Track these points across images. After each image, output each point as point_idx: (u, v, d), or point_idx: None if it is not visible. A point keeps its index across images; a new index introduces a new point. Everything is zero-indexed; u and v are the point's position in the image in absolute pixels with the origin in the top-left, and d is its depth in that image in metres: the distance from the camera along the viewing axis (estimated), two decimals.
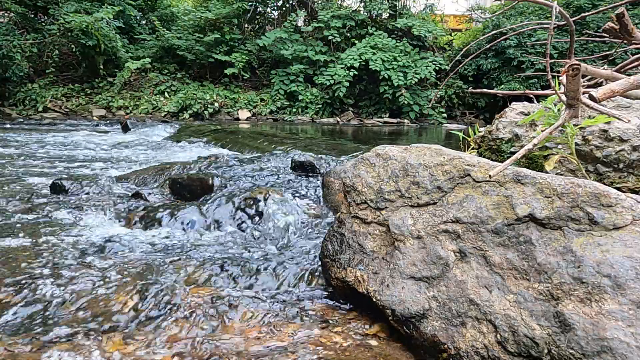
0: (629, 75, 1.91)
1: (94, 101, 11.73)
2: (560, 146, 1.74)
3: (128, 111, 11.60)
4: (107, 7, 11.65)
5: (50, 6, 11.72)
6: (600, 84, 2.27)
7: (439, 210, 1.43)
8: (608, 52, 3.34)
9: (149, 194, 2.91)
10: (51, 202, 2.76)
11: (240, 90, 13.11)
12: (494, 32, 3.59)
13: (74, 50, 11.75)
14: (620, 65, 2.29)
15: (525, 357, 1.10)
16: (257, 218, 2.40)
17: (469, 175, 1.43)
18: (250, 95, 12.81)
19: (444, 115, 12.99)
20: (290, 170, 3.37)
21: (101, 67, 11.67)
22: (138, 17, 14.09)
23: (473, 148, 2.20)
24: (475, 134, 2.24)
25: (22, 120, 10.10)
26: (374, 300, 1.42)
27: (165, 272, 1.81)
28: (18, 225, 2.34)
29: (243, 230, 2.35)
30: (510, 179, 1.35)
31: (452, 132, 2.77)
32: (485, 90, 2.91)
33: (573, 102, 1.45)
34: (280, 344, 1.35)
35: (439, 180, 1.48)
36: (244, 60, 12.84)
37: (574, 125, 1.59)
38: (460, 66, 6.39)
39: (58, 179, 3.09)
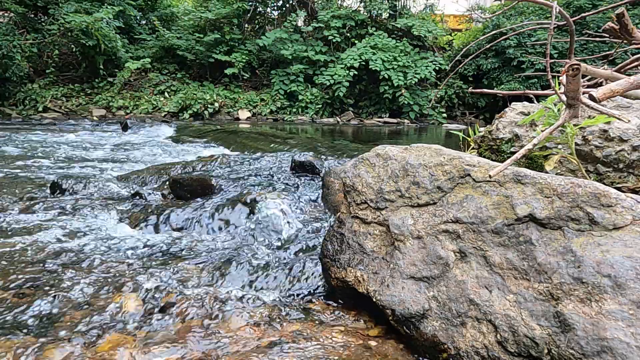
0: (629, 75, 1.91)
1: (94, 101, 11.72)
2: (560, 146, 1.74)
3: (128, 111, 11.60)
4: (107, 7, 11.65)
5: (50, 6, 11.71)
6: (600, 84, 2.27)
7: (439, 210, 1.43)
8: (608, 52, 3.34)
9: (149, 194, 2.91)
10: (51, 202, 2.76)
11: (240, 90, 13.11)
12: (494, 32, 3.59)
13: (74, 50, 11.75)
14: (620, 65, 2.29)
15: (525, 357, 1.10)
16: (256, 218, 2.40)
17: (469, 175, 1.43)
18: (250, 95, 12.81)
19: (444, 115, 13.00)
20: (290, 171, 3.37)
21: (101, 67, 11.66)
22: (138, 17, 14.09)
23: (473, 148, 2.20)
24: (475, 134, 2.24)
25: (21, 120, 10.10)
26: (374, 300, 1.42)
27: (165, 272, 1.81)
28: (17, 225, 2.34)
29: (242, 230, 2.35)
30: (510, 179, 1.35)
31: (452, 132, 2.76)
32: (485, 90, 2.91)
33: (573, 102, 1.45)
34: (280, 343, 1.35)
35: (439, 180, 1.48)
36: (244, 60, 12.84)
37: (574, 125, 1.59)
38: (460, 66, 6.40)
39: (57, 178, 3.09)
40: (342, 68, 12.38)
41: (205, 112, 11.60)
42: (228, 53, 12.86)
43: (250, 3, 13.69)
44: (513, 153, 1.91)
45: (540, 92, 2.20)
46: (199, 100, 11.61)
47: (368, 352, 1.31)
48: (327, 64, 12.87)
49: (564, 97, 1.47)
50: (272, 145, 5.48)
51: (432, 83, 13.32)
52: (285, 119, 12.21)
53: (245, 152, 5.11)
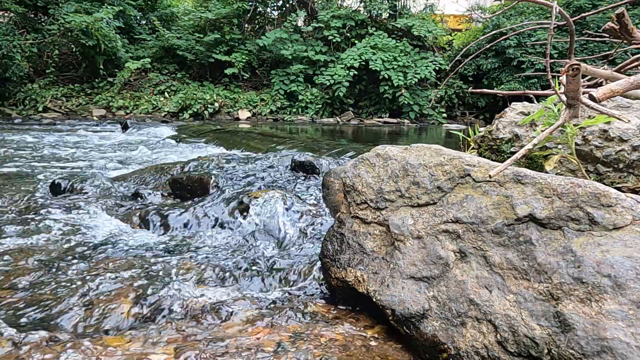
0: (629, 75, 1.91)
1: (94, 101, 11.72)
2: (560, 146, 1.74)
3: (128, 111, 11.60)
4: (107, 7, 11.65)
5: (50, 6, 11.71)
6: (600, 84, 2.27)
7: (439, 210, 1.43)
8: (608, 52, 3.34)
9: (149, 193, 2.91)
10: (51, 202, 2.76)
11: (240, 90, 13.11)
12: (494, 32, 3.59)
13: (74, 50, 11.76)
14: (620, 65, 2.29)
15: (525, 357, 1.10)
16: (256, 218, 2.40)
17: (469, 175, 1.43)
18: (250, 95, 12.81)
19: (444, 115, 13.00)
20: (290, 170, 3.37)
21: (101, 67, 11.66)
22: (138, 17, 14.08)
23: (473, 148, 2.20)
24: (475, 134, 2.24)
25: (21, 120, 10.10)
26: (374, 300, 1.42)
27: (165, 272, 1.81)
28: (18, 225, 2.34)
29: (242, 230, 2.35)
30: (510, 179, 1.35)
31: (452, 132, 2.77)
32: (485, 90, 2.90)
33: (573, 102, 1.45)
34: (280, 343, 1.35)
35: (439, 180, 1.48)
36: (244, 60, 12.84)
37: (574, 125, 1.59)
38: (460, 66, 6.40)
39: (57, 178, 3.09)
40: (342, 68, 12.38)
41: (205, 112, 11.60)
42: (228, 53, 12.86)
43: (250, 3, 13.69)
44: (513, 153, 1.91)
45: (540, 92, 2.20)
46: (199, 100, 11.61)
47: (368, 352, 1.31)
48: (327, 64, 12.87)
49: (564, 97, 1.47)
50: (272, 145, 5.47)
51: (432, 83, 13.32)
52: (285, 119, 12.20)
53: (245, 152, 5.11)
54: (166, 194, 2.92)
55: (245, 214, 2.44)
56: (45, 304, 1.54)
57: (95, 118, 10.93)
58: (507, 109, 2.13)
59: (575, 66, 1.31)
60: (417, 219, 1.46)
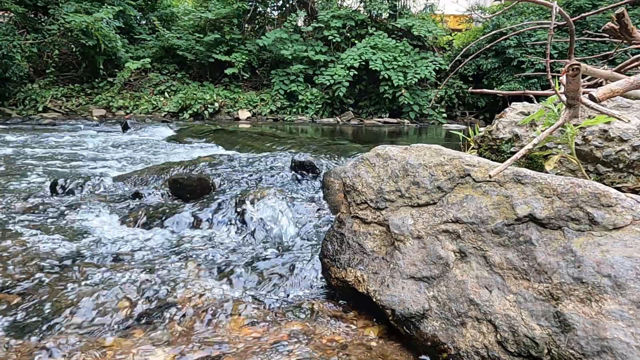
0: (629, 75, 1.91)
1: (94, 101, 11.73)
2: (560, 146, 1.74)
3: (128, 111, 11.61)
4: (107, 7, 11.66)
5: (50, 6, 11.72)
6: (600, 84, 2.27)
7: (439, 210, 1.43)
8: (608, 52, 3.34)
9: (149, 194, 2.91)
10: (51, 202, 2.76)
11: (240, 90, 13.11)
12: (494, 32, 3.59)
13: (74, 50, 11.77)
14: (620, 65, 2.29)
15: (525, 357, 1.10)
16: (256, 218, 2.40)
17: (469, 175, 1.43)
18: (250, 95, 12.81)
19: (444, 115, 13.00)
20: (290, 170, 3.37)
21: (101, 67, 11.67)
22: (138, 17, 14.09)
23: (473, 148, 2.20)
24: (475, 134, 2.24)
25: (21, 120, 10.10)
26: (374, 300, 1.42)
27: (165, 272, 1.81)
28: (18, 225, 2.34)
29: (242, 230, 2.35)
30: (510, 179, 1.35)
31: (452, 132, 2.77)
32: (485, 90, 2.90)
33: (573, 102, 1.45)
34: (280, 343, 1.35)
35: (439, 180, 1.48)
36: (244, 60, 12.85)
37: (574, 125, 1.59)
38: (460, 66, 6.40)
39: (57, 178, 3.09)
40: (342, 68, 12.39)
41: (205, 112, 11.61)
42: (228, 53, 12.87)
43: (250, 3, 13.69)
44: (513, 153, 1.91)
45: (540, 92, 2.20)
46: (199, 100, 11.61)
47: (368, 352, 1.31)
48: (327, 64, 12.87)
49: (564, 97, 1.47)
50: (272, 145, 5.47)
51: (432, 83, 13.33)
52: (285, 119, 12.21)
53: (245, 152, 5.11)
54: (166, 194, 2.92)
55: (245, 214, 2.44)
56: (45, 303, 1.54)
57: (95, 118, 10.93)
58: (507, 109, 2.13)
59: (575, 66, 1.31)
60: (417, 219, 1.46)
